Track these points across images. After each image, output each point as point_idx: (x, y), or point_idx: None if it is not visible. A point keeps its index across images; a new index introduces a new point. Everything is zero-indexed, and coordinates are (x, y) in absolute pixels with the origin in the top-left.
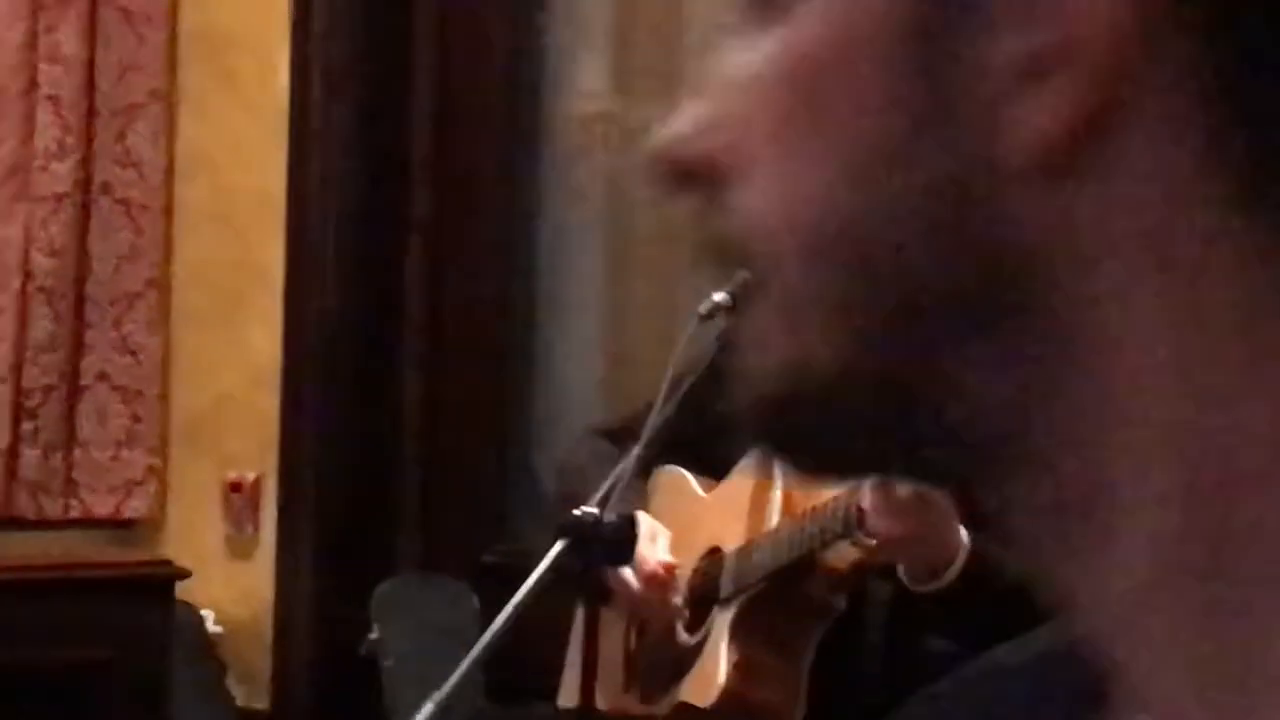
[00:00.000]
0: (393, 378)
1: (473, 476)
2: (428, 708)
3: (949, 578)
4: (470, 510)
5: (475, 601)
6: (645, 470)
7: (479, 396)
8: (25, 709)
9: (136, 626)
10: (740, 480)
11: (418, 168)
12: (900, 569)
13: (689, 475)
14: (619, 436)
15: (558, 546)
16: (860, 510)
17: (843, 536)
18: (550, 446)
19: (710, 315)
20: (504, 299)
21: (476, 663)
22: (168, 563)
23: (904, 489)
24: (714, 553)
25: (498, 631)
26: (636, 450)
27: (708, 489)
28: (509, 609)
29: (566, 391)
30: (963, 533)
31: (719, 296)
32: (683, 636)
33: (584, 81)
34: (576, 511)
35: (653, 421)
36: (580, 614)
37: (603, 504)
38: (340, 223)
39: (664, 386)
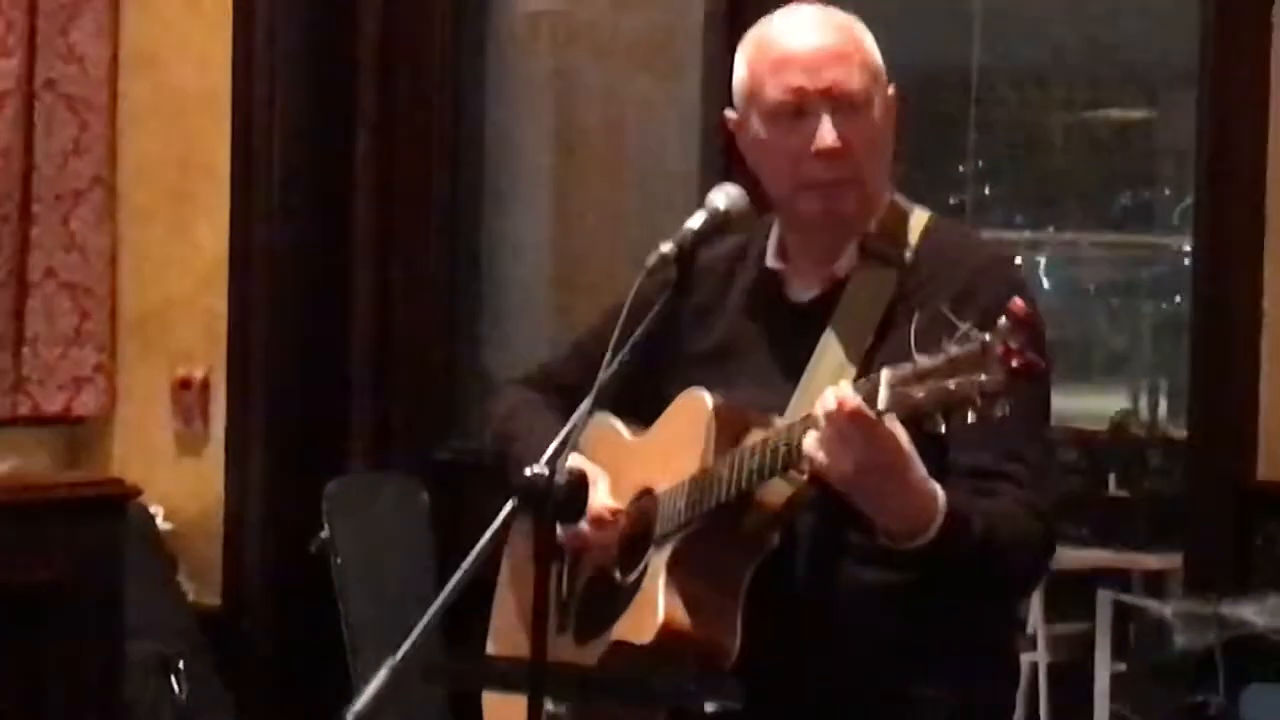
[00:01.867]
0: (342, 275)
1: (423, 373)
2: (382, 672)
3: (930, 535)
4: (420, 407)
5: (425, 498)
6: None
7: (428, 294)
8: None
9: (89, 546)
10: (670, 423)
11: (365, 64)
12: (880, 532)
13: (616, 420)
14: (541, 384)
15: (509, 505)
16: (798, 447)
17: (780, 473)
18: (500, 343)
19: (657, 268)
20: (452, 195)
21: (432, 618)
22: (119, 481)
23: (850, 425)
24: (645, 494)
25: (451, 590)
26: (587, 403)
27: (635, 433)
28: (463, 567)
29: (516, 288)
30: (938, 490)
31: (666, 248)
32: (617, 577)
33: None
34: (528, 471)
35: (602, 377)
36: (506, 565)
37: (553, 462)
38: (287, 120)
39: (613, 339)
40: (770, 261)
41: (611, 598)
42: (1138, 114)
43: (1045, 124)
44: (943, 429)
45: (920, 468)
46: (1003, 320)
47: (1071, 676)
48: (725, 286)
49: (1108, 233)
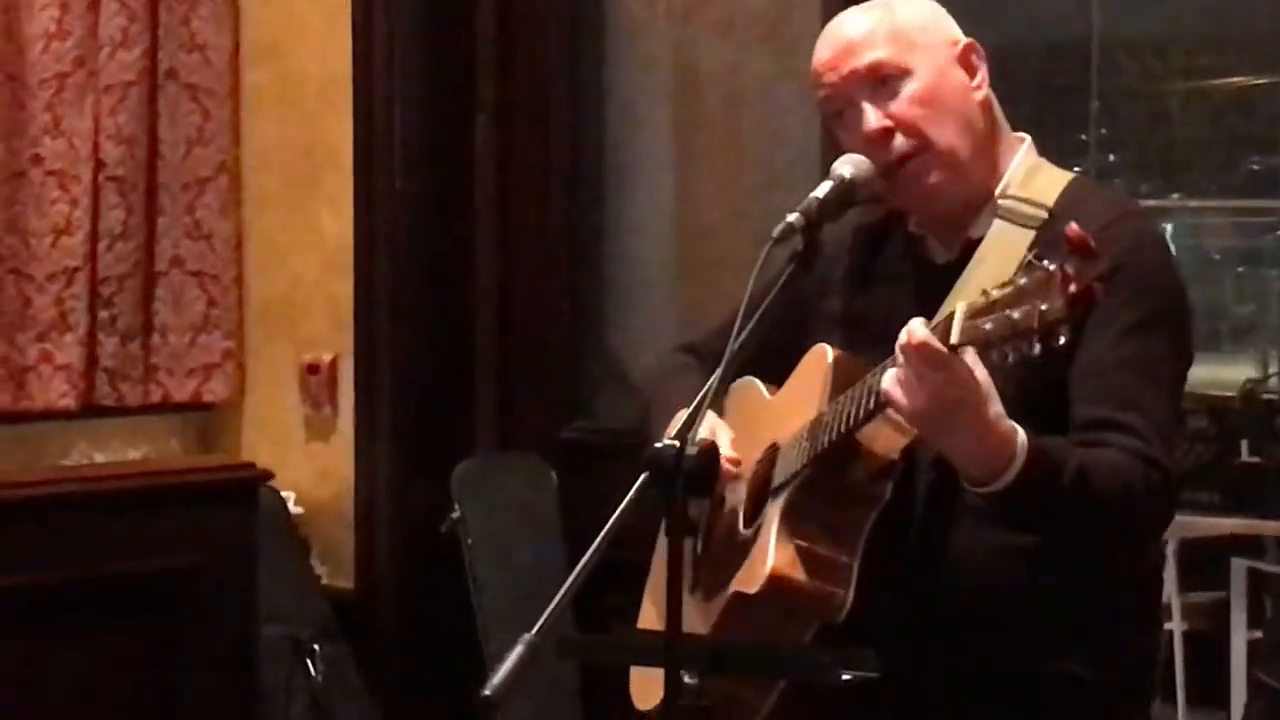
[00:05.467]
0: (465, 256)
1: (548, 353)
2: (519, 648)
3: (1010, 476)
4: (546, 387)
5: (554, 478)
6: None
7: (552, 273)
8: (115, 618)
9: (223, 531)
10: (796, 379)
11: (483, 47)
12: (961, 477)
13: (759, 382)
14: (694, 349)
15: (640, 480)
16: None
17: (872, 413)
18: (623, 322)
19: (784, 237)
20: (573, 175)
21: (566, 595)
22: (251, 465)
23: (920, 359)
24: (773, 449)
25: (585, 566)
26: (716, 376)
27: (772, 393)
28: (595, 544)
29: (638, 266)
30: (1017, 430)
31: (792, 218)
32: (743, 532)
33: None
34: (658, 444)
35: (731, 347)
36: (660, 544)
37: (683, 435)
38: (407, 104)
39: (741, 310)
40: (912, 226)
41: (734, 551)
42: (1260, 80)
43: (1167, 92)
44: (1009, 359)
45: (997, 406)
46: (1063, 247)
47: (1207, 644)
48: (872, 250)
49: (1232, 199)
